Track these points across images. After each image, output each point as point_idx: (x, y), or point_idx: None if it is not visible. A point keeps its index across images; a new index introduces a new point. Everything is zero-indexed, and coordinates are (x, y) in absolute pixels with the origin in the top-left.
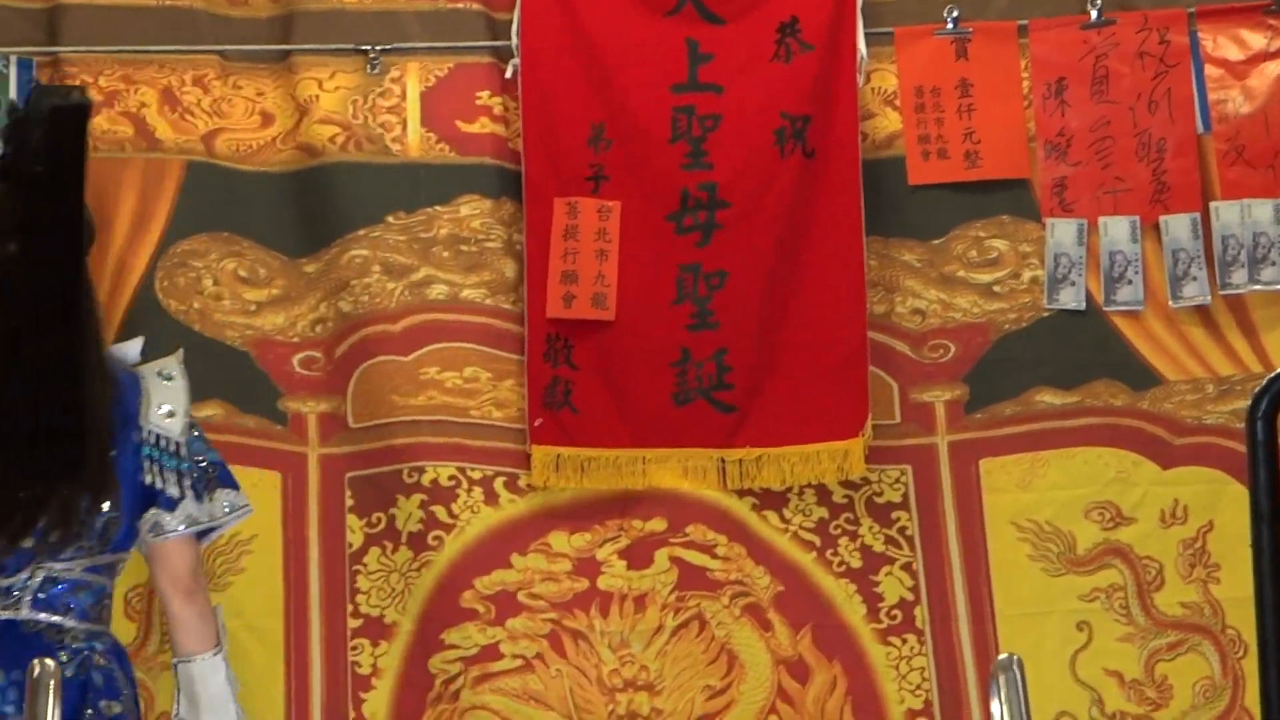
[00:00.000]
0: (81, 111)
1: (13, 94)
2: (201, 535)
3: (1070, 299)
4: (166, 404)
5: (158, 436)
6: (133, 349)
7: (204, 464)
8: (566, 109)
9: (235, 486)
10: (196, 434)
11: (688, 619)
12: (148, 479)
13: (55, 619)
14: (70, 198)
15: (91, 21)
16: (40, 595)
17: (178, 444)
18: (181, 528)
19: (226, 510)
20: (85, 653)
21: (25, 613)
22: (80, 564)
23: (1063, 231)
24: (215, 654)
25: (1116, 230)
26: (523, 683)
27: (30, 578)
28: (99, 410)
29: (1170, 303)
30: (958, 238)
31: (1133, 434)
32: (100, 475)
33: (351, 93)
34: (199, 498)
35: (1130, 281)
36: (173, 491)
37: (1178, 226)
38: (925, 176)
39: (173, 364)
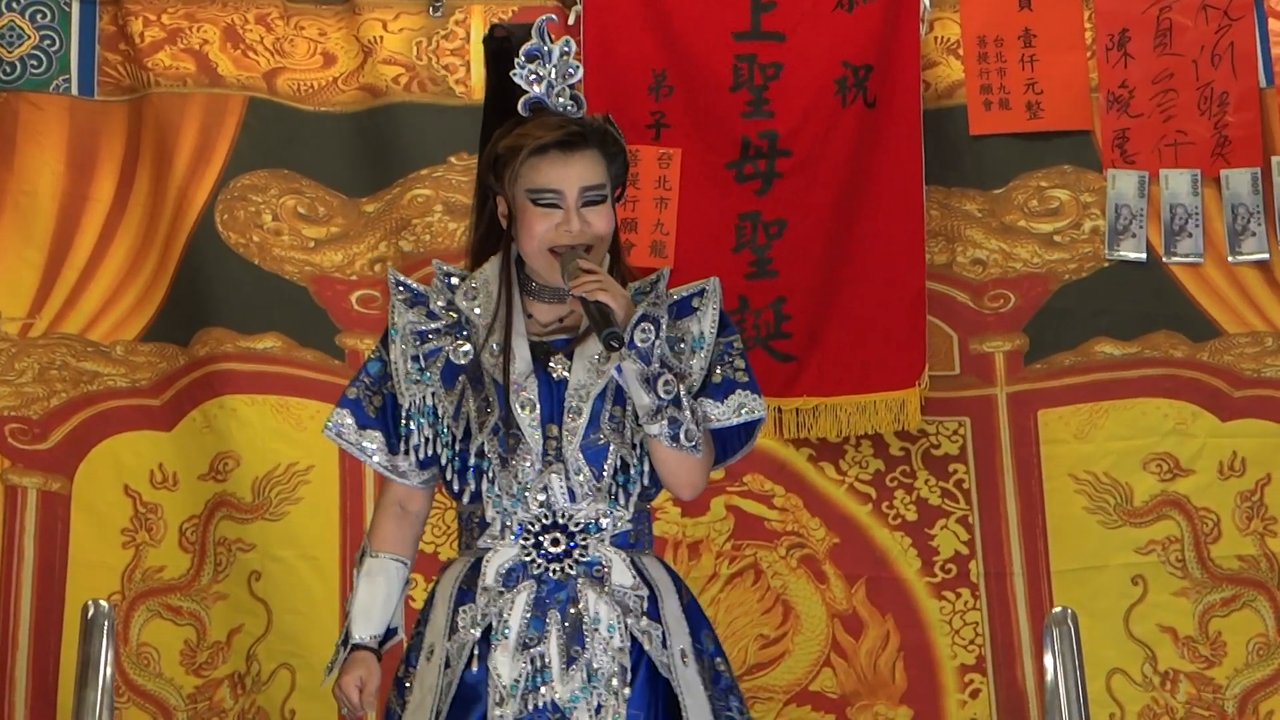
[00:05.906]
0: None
1: (75, 33)
2: None
3: (1131, 250)
4: None
5: None
6: None
7: None
8: (628, 56)
9: None
10: None
11: (743, 568)
12: None
13: None
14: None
15: None
16: None
17: None
18: None
19: None
20: None
21: None
22: None
23: (1124, 183)
24: None
25: (1177, 183)
26: None
27: None
28: None
29: (1229, 258)
30: (1019, 187)
31: (1192, 385)
32: None
33: (415, 34)
34: None
35: (1190, 234)
36: None
37: (1238, 181)
38: (987, 127)
39: None
